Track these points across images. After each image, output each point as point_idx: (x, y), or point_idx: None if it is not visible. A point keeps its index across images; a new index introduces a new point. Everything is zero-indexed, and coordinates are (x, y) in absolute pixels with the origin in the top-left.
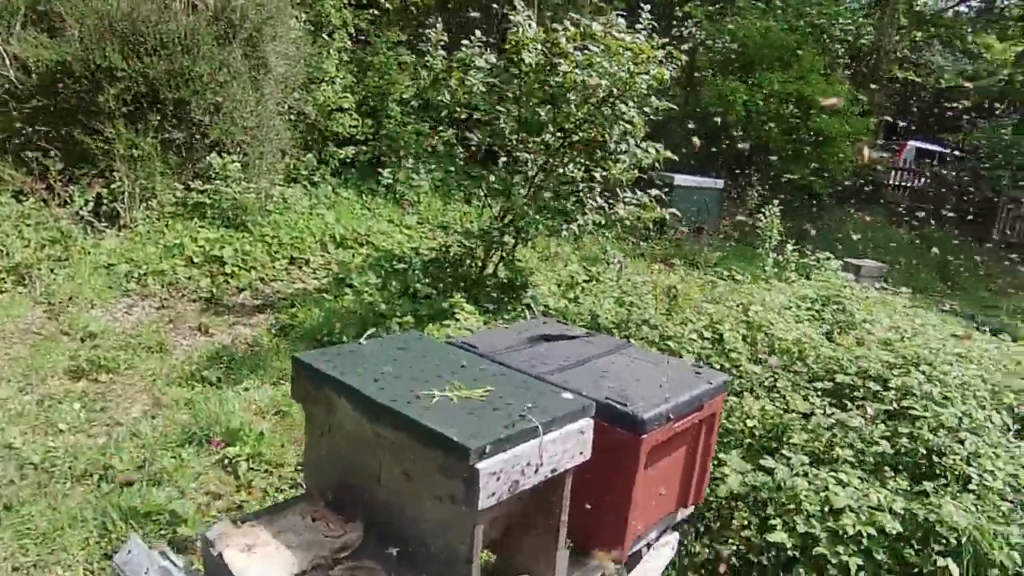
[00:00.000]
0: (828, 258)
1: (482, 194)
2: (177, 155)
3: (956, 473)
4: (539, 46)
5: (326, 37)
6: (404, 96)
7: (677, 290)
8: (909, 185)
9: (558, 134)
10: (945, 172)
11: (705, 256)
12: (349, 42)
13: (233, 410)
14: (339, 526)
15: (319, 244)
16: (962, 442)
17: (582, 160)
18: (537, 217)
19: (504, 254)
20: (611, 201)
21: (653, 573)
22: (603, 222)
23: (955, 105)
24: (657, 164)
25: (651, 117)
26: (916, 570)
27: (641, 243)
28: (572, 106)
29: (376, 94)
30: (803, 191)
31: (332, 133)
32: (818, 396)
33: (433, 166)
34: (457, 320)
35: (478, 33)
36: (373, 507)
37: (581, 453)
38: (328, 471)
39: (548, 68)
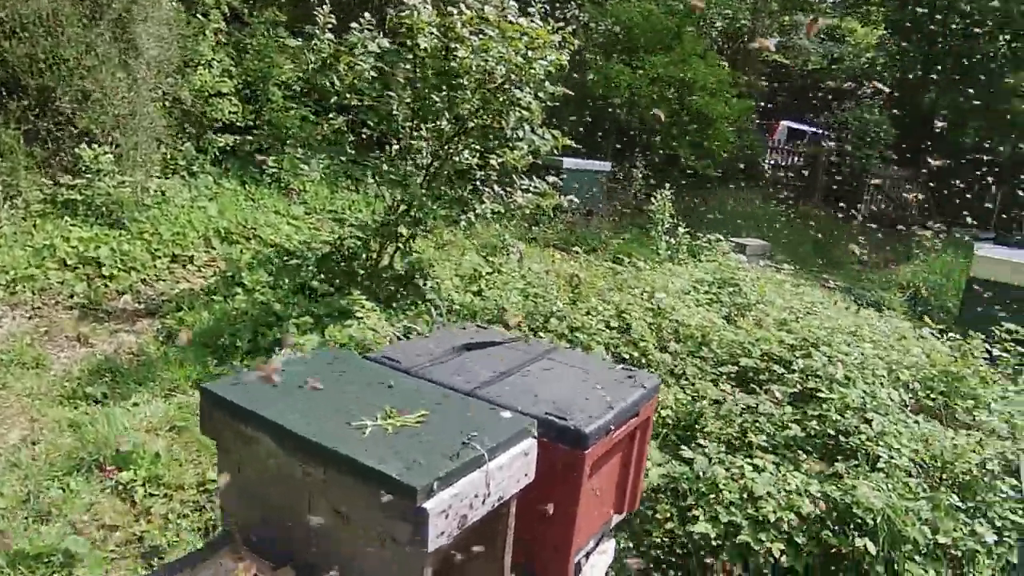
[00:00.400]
0: (719, 240)
1: (375, 183)
2: (42, 148)
3: (866, 453)
4: (434, 30)
5: (200, 17)
6: (285, 80)
7: (580, 279)
8: (783, 164)
9: (453, 121)
10: (816, 151)
11: (600, 240)
12: (223, 23)
13: (123, 429)
14: (267, 573)
15: (203, 239)
16: (869, 422)
17: (477, 147)
18: (434, 207)
19: (401, 245)
20: (508, 189)
21: None
22: (501, 210)
23: (823, 87)
24: (555, 150)
25: (546, 103)
26: (834, 551)
27: (533, 228)
28: (468, 92)
29: (256, 78)
30: (686, 172)
31: (211, 120)
32: (725, 381)
33: (323, 155)
34: (359, 320)
35: (367, 15)
36: (305, 550)
37: (526, 475)
38: (249, 510)
39: (444, 53)
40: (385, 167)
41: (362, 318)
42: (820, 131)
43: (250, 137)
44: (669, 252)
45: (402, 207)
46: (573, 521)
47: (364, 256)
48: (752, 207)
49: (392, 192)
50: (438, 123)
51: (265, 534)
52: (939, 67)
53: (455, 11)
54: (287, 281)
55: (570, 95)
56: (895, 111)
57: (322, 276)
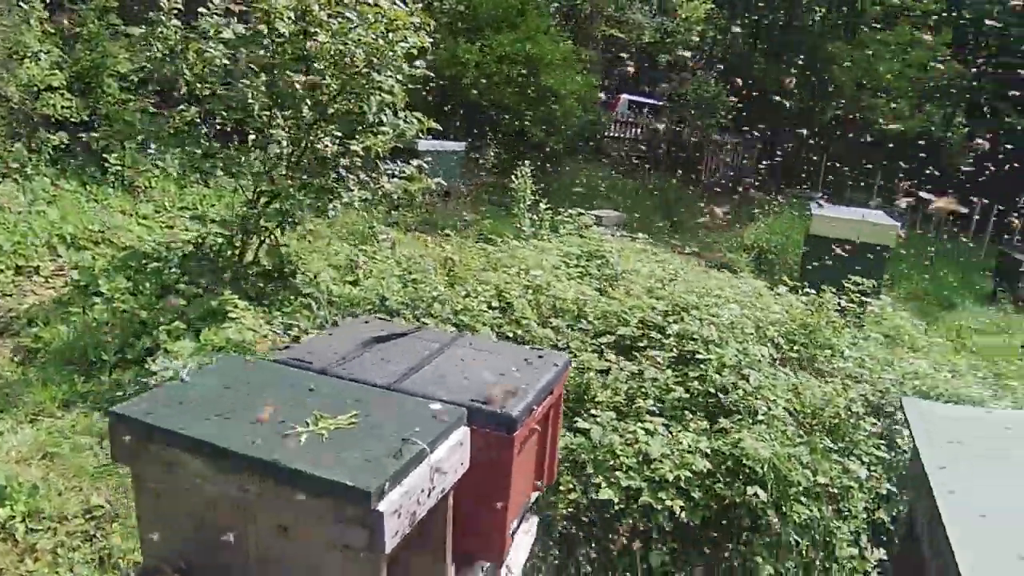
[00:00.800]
0: (580, 214)
1: (234, 176)
2: None
3: (747, 407)
4: (291, 14)
5: (21, 5)
6: (121, 71)
7: (454, 261)
8: (626, 136)
9: (314, 107)
10: (657, 123)
11: (462, 221)
12: (43, 9)
13: None
14: None
15: (47, 247)
16: (746, 378)
17: (338, 133)
18: (302, 197)
19: (267, 239)
20: (373, 175)
21: (520, 561)
22: (369, 197)
23: (658, 59)
24: (420, 134)
25: (407, 85)
26: (727, 501)
27: (392, 212)
28: (328, 77)
29: (89, 70)
30: (536, 148)
31: (42, 116)
32: (606, 351)
33: (176, 149)
34: (234, 321)
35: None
36: (243, 571)
37: (462, 464)
38: (175, 538)
39: (302, 37)
40: (244, 159)
41: (237, 318)
42: (660, 103)
43: (93, 134)
44: (533, 229)
45: (264, 199)
46: (506, 504)
47: (229, 253)
48: (601, 179)
49: (257, 184)
50: (298, 110)
51: (195, 559)
52: (763, 38)
53: None
54: (148, 286)
55: (428, 75)
56: (729, 82)
57: (186, 277)
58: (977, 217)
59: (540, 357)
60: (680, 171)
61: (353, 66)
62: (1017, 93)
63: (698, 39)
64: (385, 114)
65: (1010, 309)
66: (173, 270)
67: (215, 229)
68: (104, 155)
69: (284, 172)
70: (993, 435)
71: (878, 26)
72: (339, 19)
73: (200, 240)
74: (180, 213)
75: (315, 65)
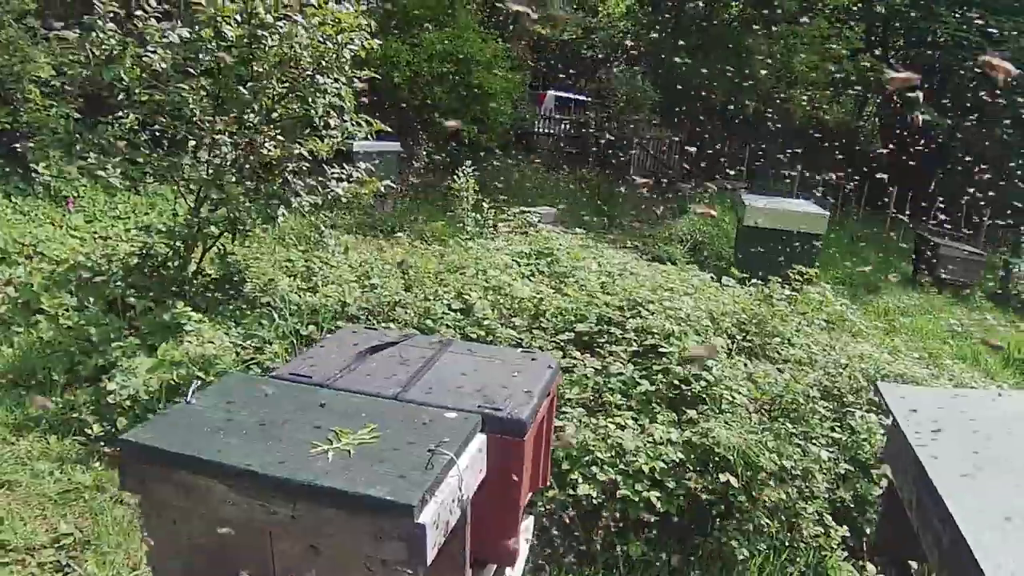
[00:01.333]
0: (523, 211)
1: (175, 183)
2: None
3: (711, 396)
4: (237, 17)
5: None
6: (42, 76)
7: (408, 264)
8: (553, 132)
9: (261, 112)
10: (584, 119)
11: (400, 221)
12: None
13: None
14: None
15: None
16: (708, 369)
17: (281, 138)
18: (249, 204)
19: (219, 247)
20: (320, 179)
21: (521, 563)
22: (319, 202)
23: (583, 55)
24: (369, 137)
25: (355, 88)
26: (699, 489)
27: (329, 214)
28: (274, 81)
29: (6, 75)
30: (468, 147)
31: None
32: (567, 348)
33: (117, 158)
34: (191, 336)
35: (153, 2)
36: None
37: (481, 471)
38: (192, 566)
39: (248, 41)
40: (189, 166)
41: (193, 331)
42: (586, 98)
43: (29, 144)
44: (478, 228)
45: (208, 207)
46: (518, 508)
47: (176, 264)
48: (533, 176)
49: (200, 191)
50: (244, 115)
51: None
52: (684, 33)
53: None
54: (93, 300)
55: (376, 77)
56: (652, 77)
57: (132, 291)
58: (886, 200)
59: (533, 360)
60: (608, 165)
61: (299, 69)
62: (926, 84)
63: (621, 35)
64: (331, 117)
65: (931, 291)
66: (118, 284)
67: (161, 239)
68: (32, 164)
69: (232, 179)
70: (959, 410)
71: (801, 20)
72: (286, 22)
73: (145, 251)
74: (112, 223)
75: (259, 68)
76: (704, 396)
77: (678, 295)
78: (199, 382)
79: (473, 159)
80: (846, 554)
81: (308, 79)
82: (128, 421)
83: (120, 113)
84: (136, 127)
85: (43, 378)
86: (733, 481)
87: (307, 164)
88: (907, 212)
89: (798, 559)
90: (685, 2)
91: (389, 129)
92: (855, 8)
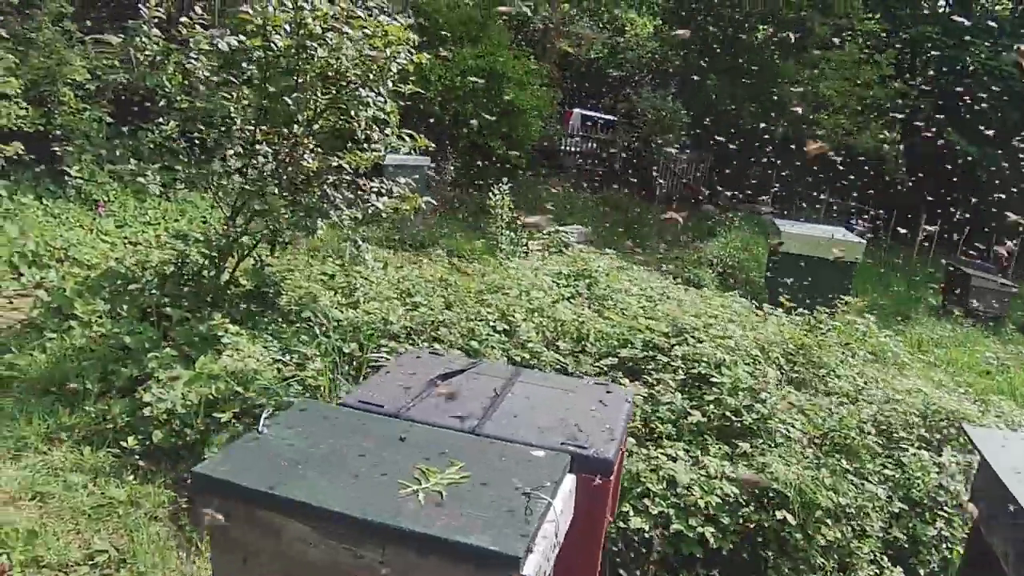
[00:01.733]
0: (557, 231)
1: (212, 192)
2: None
3: (764, 429)
4: (287, 27)
5: None
6: (77, 79)
7: (449, 282)
8: (579, 151)
9: (305, 123)
10: (611, 137)
11: (433, 237)
12: None
13: None
14: None
15: (8, 265)
16: (763, 401)
17: (320, 150)
18: (289, 215)
19: (255, 258)
20: (359, 192)
21: None
22: (359, 216)
23: (610, 75)
24: (413, 152)
25: (400, 102)
26: (753, 526)
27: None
28: (318, 92)
29: (42, 78)
30: (498, 163)
31: None
32: (611, 374)
33: (156, 165)
34: (229, 349)
35: (198, 9)
36: None
37: (571, 513)
38: None
39: (296, 52)
40: (224, 175)
41: (231, 344)
42: (612, 118)
43: (68, 148)
44: (512, 246)
45: (243, 217)
46: (599, 550)
47: (212, 274)
48: (561, 194)
49: (240, 200)
50: (290, 126)
51: None
52: (713, 56)
53: (306, 6)
54: (126, 308)
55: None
56: (683, 98)
57: (167, 299)
58: (905, 230)
59: (609, 392)
60: (636, 186)
61: (345, 81)
62: (949, 111)
63: (649, 55)
64: (373, 130)
65: (964, 322)
66: (152, 292)
67: (197, 248)
68: (65, 168)
69: (275, 190)
70: None
71: (832, 46)
72: (335, 33)
73: (180, 260)
74: (143, 229)
75: (303, 79)
76: (755, 428)
77: (722, 322)
78: (270, 409)
79: (501, 176)
80: None
81: (352, 91)
82: (164, 435)
83: (160, 119)
84: (175, 135)
85: (76, 386)
86: (790, 518)
87: (348, 177)
88: (934, 241)
89: None
90: (713, 24)
91: (433, 145)
92: (884, 34)
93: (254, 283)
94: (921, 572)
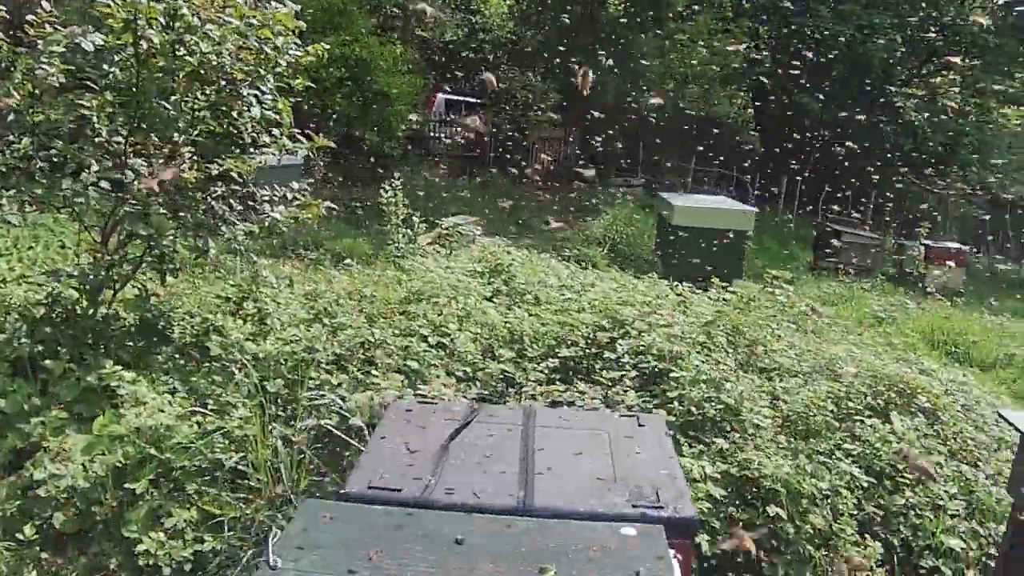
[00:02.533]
0: (457, 225)
1: (76, 215)
2: None
3: (732, 421)
4: (161, 20)
5: None
6: None
7: (364, 295)
8: (445, 136)
9: (184, 130)
10: (482, 120)
11: (318, 239)
12: None
13: None
14: None
15: None
16: (727, 391)
17: (203, 159)
18: (177, 236)
19: (138, 288)
20: (250, 203)
21: None
22: (255, 230)
23: (467, 56)
24: (311, 154)
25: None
26: (741, 524)
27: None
28: (198, 93)
29: None
30: (369, 154)
31: None
32: (550, 376)
33: (11, 191)
34: (129, 402)
35: (45, 5)
36: None
37: None
38: None
39: (173, 48)
40: (101, 195)
41: (130, 395)
42: (477, 100)
43: None
44: (410, 245)
45: (115, 239)
46: None
47: (88, 311)
48: (437, 183)
49: (132, 225)
50: (169, 134)
51: None
52: (571, 34)
53: None
54: None
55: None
56: (549, 77)
57: (40, 347)
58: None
59: (642, 426)
60: (507, 168)
61: (228, 79)
62: (799, 77)
63: (509, 35)
64: (261, 133)
65: (844, 279)
66: (21, 340)
67: (69, 283)
68: None
69: (160, 208)
70: None
71: (687, 17)
72: (215, 25)
73: (52, 298)
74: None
75: (178, 80)
76: (719, 420)
77: (657, 309)
78: (277, 532)
79: (376, 169)
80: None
81: (234, 90)
82: (67, 518)
83: (11, 137)
84: (31, 153)
85: None
86: (782, 513)
87: (237, 187)
88: (796, 201)
89: None
90: (565, 2)
91: (333, 145)
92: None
93: (137, 315)
94: (895, 542)
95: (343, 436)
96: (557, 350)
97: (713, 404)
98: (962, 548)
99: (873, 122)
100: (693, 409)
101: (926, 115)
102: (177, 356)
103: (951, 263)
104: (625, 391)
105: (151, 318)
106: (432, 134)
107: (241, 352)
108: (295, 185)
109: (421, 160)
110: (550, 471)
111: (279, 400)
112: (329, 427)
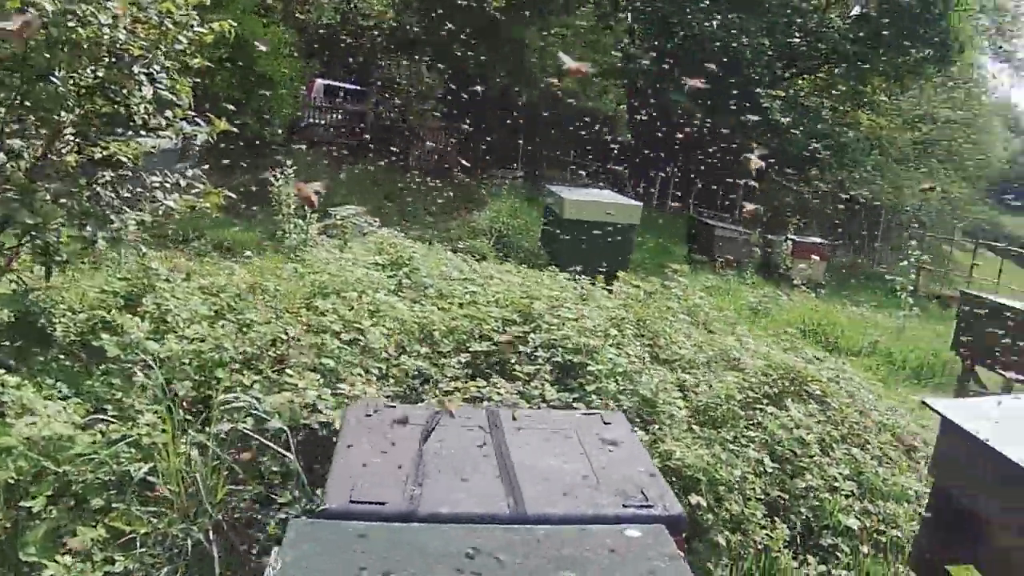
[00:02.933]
0: (352, 216)
1: None
2: None
3: (650, 413)
4: None
5: None
6: None
7: (267, 289)
8: (324, 123)
9: (74, 108)
10: (364, 108)
11: (200, 228)
12: None
13: None
14: None
15: None
16: (642, 383)
17: (87, 141)
18: (64, 227)
19: (17, 281)
20: (139, 190)
21: None
22: (148, 219)
23: (347, 42)
24: (211, 139)
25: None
26: None
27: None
28: (88, 70)
29: None
30: (249, 141)
31: None
32: (462, 371)
33: None
34: (15, 410)
35: None
36: None
37: None
38: None
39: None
40: None
41: (14, 403)
42: (357, 87)
43: None
44: (304, 236)
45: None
46: None
47: None
48: (317, 171)
49: (14, 214)
50: (56, 113)
51: None
52: (453, 25)
53: None
54: None
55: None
56: (440, 66)
57: None
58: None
59: (607, 423)
60: (389, 157)
61: (125, 53)
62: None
63: (390, 21)
64: (152, 116)
65: (722, 272)
66: None
67: None
68: None
69: (47, 196)
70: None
71: (570, 10)
72: None
73: None
74: None
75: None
76: (634, 411)
77: (563, 302)
78: (278, 561)
79: (250, 154)
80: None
81: (122, 68)
82: None
83: None
84: None
85: None
86: (703, 501)
87: (129, 172)
88: (668, 197)
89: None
90: None
91: (235, 129)
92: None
93: (13, 313)
94: (796, 521)
95: (262, 440)
96: (468, 345)
97: (628, 396)
98: (858, 526)
99: (741, 121)
100: (611, 403)
101: (789, 117)
102: (61, 356)
103: (815, 257)
104: (543, 386)
105: (29, 315)
106: (312, 121)
107: (143, 352)
108: (189, 172)
109: (302, 147)
110: (532, 476)
111: (188, 404)
112: (246, 431)
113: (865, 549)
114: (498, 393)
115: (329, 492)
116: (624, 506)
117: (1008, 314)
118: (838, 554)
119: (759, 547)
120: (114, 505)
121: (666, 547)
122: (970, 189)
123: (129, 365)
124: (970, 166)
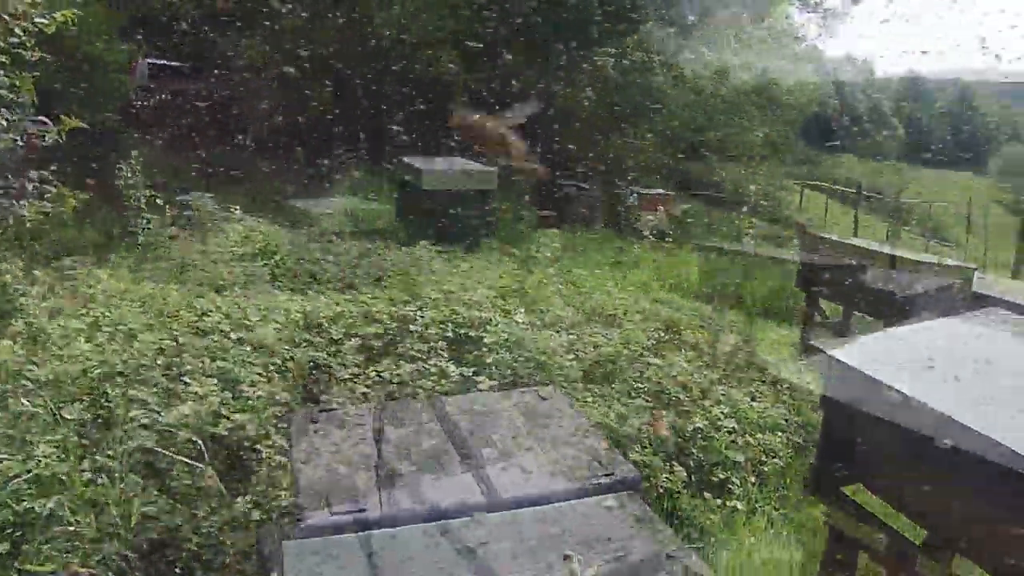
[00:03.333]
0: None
1: None
2: None
3: (550, 376)
4: None
5: None
6: None
7: (144, 294)
8: (149, 104)
9: None
10: (188, 87)
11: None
12: None
13: None
14: None
15: None
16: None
17: None
18: None
19: None
20: None
21: None
22: None
23: (174, 18)
24: (60, 137)
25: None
26: None
27: None
28: None
29: None
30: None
31: None
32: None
33: None
34: None
35: None
36: None
37: None
38: None
39: None
40: None
41: None
42: (183, 65)
43: None
44: (158, 230)
45: None
46: None
47: None
48: (152, 156)
49: None
50: None
51: None
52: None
53: None
54: None
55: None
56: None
57: None
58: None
59: (543, 399)
60: (232, 139)
61: None
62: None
63: None
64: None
65: (581, 229)
66: None
67: None
68: None
69: None
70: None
71: None
72: None
73: None
74: None
75: None
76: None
77: (440, 279)
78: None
79: (87, 143)
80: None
81: None
82: None
83: None
84: None
85: None
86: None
87: None
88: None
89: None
90: None
91: (86, 126)
92: None
93: None
94: (690, 462)
95: (171, 455)
96: (358, 329)
97: (522, 363)
98: (744, 459)
99: (573, 79)
100: (508, 371)
101: (620, 74)
102: None
103: (661, 208)
104: (442, 363)
105: None
106: (138, 103)
107: (19, 379)
108: (32, 174)
109: (136, 131)
110: (494, 461)
111: (84, 427)
112: (152, 447)
113: (752, 479)
114: (398, 376)
115: (305, 507)
116: (590, 478)
117: (843, 251)
118: (730, 487)
119: (661, 491)
120: (23, 548)
121: (639, 509)
122: (792, 133)
123: (9, 395)
124: (793, 111)
